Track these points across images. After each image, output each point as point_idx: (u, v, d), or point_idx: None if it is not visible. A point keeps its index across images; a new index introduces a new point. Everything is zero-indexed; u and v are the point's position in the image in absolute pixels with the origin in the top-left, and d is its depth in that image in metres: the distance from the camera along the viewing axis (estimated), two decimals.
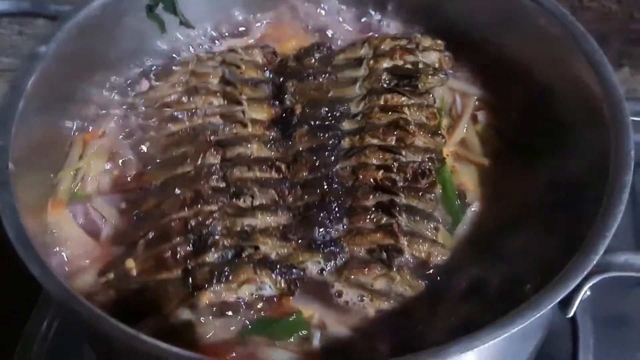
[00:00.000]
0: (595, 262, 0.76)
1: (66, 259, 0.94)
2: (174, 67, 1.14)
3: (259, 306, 0.89)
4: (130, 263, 0.92)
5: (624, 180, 0.82)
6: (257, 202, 0.96)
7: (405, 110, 1.05)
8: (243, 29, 1.23)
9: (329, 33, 1.22)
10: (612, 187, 0.82)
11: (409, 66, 1.12)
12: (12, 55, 1.63)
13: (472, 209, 0.99)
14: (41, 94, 0.97)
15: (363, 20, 1.25)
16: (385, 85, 1.09)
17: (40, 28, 1.46)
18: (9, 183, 0.84)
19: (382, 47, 1.15)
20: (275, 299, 0.89)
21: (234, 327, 0.87)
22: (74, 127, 1.06)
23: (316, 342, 0.86)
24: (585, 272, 0.75)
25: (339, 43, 1.21)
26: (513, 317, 0.72)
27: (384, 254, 0.92)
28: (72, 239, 0.95)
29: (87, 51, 1.06)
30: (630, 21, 1.52)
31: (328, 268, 0.91)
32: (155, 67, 1.15)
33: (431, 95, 1.08)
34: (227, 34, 1.22)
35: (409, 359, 0.70)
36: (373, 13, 1.25)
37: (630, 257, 0.79)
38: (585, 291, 0.82)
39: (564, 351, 1.07)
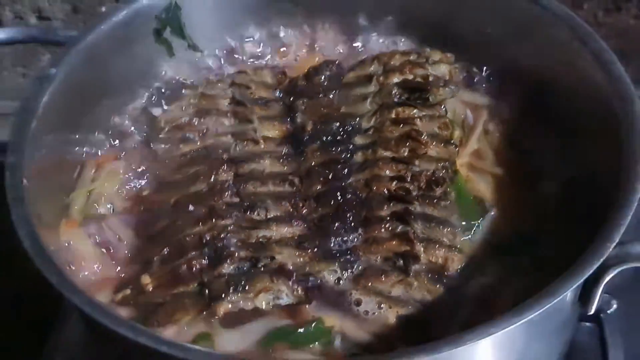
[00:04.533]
0: (611, 253, 0.81)
1: (81, 278, 0.99)
2: (183, 91, 1.21)
3: (277, 315, 0.93)
4: (145, 279, 0.97)
5: (638, 170, 0.87)
6: (271, 215, 1.01)
7: (417, 121, 1.11)
8: (252, 51, 1.30)
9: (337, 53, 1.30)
10: (626, 178, 0.87)
11: (419, 79, 1.18)
12: (16, 98, 1.71)
13: (491, 215, 1.04)
14: (52, 116, 1.03)
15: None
16: (396, 100, 1.16)
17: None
18: (24, 198, 0.90)
19: (392, 62, 1.21)
20: (292, 307, 0.94)
21: (253, 337, 0.92)
22: (85, 151, 1.13)
23: (337, 345, 0.91)
24: (601, 260, 0.80)
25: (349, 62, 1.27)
26: (529, 304, 0.76)
27: (401, 260, 0.96)
28: (86, 258, 1.01)
29: (96, 75, 1.13)
30: None
31: (345, 276, 0.96)
32: (164, 91, 1.23)
33: (442, 107, 1.14)
34: (235, 56, 1.29)
35: (426, 348, 0.74)
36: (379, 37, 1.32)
37: None
38: (603, 287, 0.87)
39: None
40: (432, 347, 0.74)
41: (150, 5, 1.20)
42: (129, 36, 1.17)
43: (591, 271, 0.79)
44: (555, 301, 0.76)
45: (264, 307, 0.93)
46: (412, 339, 0.89)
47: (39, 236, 0.86)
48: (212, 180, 1.06)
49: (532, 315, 0.75)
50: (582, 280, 0.78)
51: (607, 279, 0.85)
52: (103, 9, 1.65)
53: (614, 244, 0.80)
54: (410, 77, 1.19)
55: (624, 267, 0.84)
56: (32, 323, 1.18)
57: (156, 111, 1.20)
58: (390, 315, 0.93)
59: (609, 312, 1.13)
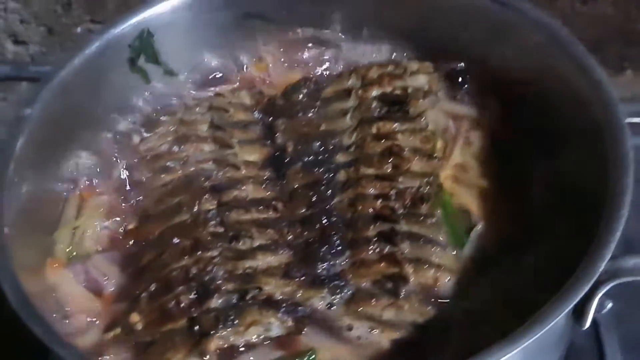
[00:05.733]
0: (602, 269, 0.80)
1: (69, 319, 0.97)
2: (162, 118, 1.19)
3: (269, 347, 0.91)
4: (134, 317, 0.95)
5: (625, 182, 0.86)
6: (256, 244, 1.00)
7: (398, 136, 1.10)
8: (227, 73, 1.28)
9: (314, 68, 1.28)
10: (613, 191, 0.86)
11: (398, 92, 1.17)
12: None
13: (477, 229, 1.02)
14: (30, 157, 1.02)
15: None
16: (376, 114, 1.14)
17: (23, 93, 1.52)
18: (6, 246, 0.88)
19: (370, 75, 1.20)
20: (284, 338, 0.92)
21: None
22: (66, 187, 1.11)
23: None
24: (593, 280, 0.78)
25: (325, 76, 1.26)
26: (523, 331, 0.75)
27: (390, 283, 0.95)
28: (73, 298, 0.99)
29: (72, 110, 1.11)
30: (628, 22, 1.56)
31: (335, 302, 0.95)
32: (143, 118, 1.21)
33: (423, 119, 1.12)
34: (211, 79, 1.27)
35: None
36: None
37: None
38: (597, 301, 0.85)
39: None
40: None
41: (123, 35, 1.18)
42: (103, 67, 1.16)
43: (583, 293, 0.77)
44: (548, 327, 0.74)
45: (254, 340, 0.92)
46: None
47: (22, 288, 0.85)
48: (195, 210, 1.04)
49: (527, 343, 0.73)
50: (574, 303, 0.76)
51: (600, 295, 0.83)
52: (79, 29, 1.63)
53: (605, 262, 0.79)
54: (389, 89, 1.18)
55: (616, 282, 0.83)
56: None
57: (136, 139, 1.18)
58: (383, 340, 0.91)
59: (603, 312, 1.11)
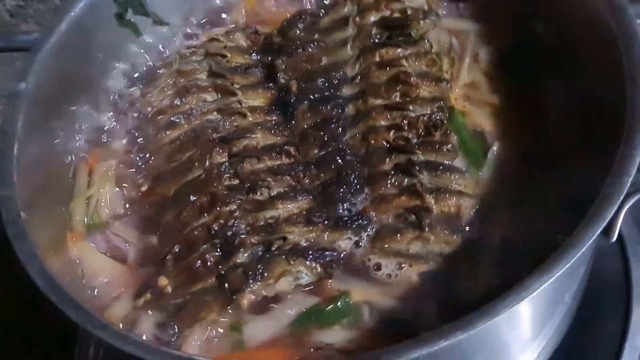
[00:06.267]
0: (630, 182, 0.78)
1: (98, 290, 0.97)
2: (159, 71, 1.16)
3: (302, 295, 0.91)
4: (163, 281, 0.95)
5: None
6: (274, 192, 0.99)
7: (403, 62, 1.07)
8: (219, 14, 1.23)
9: None
10: (632, 102, 0.83)
11: (397, 15, 1.13)
12: None
13: (494, 149, 1.00)
14: (33, 133, 0.99)
15: None
16: (377, 41, 1.11)
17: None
18: (25, 233, 0.87)
19: (366, 0, 1.15)
20: (315, 285, 0.92)
21: (283, 321, 0.90)
22: (74, 156, 1.08)
23: (367, 317, 0.89)
24: (621, 198, 0.77)
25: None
26: (557, 258, 0.74)
27: (413, 216, 0.94)
28: (99, 269, 0.98)
29: (67, 76, 1.08)
30: None
31: (361, 242, 0.94)
32: (140, 73, 1.17)
33: (426, 41, 1.09)
34: (203, 22, 1.23)
35: (459, 325, 0.72)
36: None
37: None
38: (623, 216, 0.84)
39: (614, 272, 1.09)
40: (467, 323, 0.71)
41: None
42: (91, 27, 1.12)
43: (612, 213, 0.75)
44: (584, 248, 0.73)
45: (286, 290, 0.92)
46: (439, 297, 0.88)
47: (49, 272, 0.84)
48: (207, 164, 1.02)
49: (561, 272, 0.72)
50: (604, 224, 0.75)
51: (626, 208, 0.82)
52: None
53: (631, 177, 0.77)
54: (387, 13, 1.14)
55: None
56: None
57: (136, 94, 1.15)
58: (413, 275, 0.91)
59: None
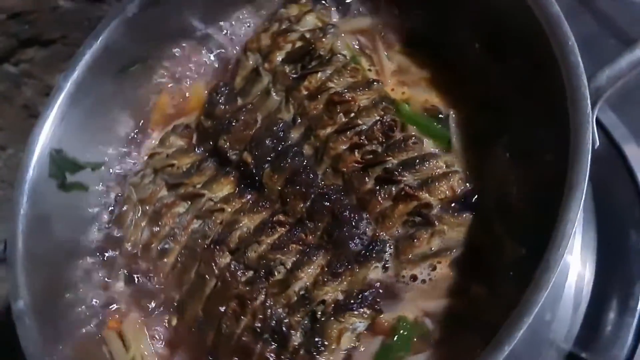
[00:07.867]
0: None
1: None
2: (123, 209, 1.16)
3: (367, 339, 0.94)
4: None
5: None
6: (289, 265, 1.00)
7: (329, 84, 1.08)
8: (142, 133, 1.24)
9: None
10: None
11: (299, 44, 1.13)
12: None
13: (452, 116, 1.02)
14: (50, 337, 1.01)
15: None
16: (294, 76, 1.11)
17: None
18: None
19: (263, 44, 1.16)
20: (372, 326, 0.94)
21: None
22: (96, 327, 1.09)
23: (432, 328, 0.92)
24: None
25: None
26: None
27: (418, 217, 0.96)
28: None
29: (52, 272, 1.09)
30: None
31: (387, 265, 0.96)
32: (107, 217, 1.18)
33: (338, 55, 1.09)
34: (138, 141, 1.24)
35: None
36: None
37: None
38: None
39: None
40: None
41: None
42: (47, 213, 1.12)
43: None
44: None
45: (351, 344, 0.94)
46: (480, 275, 0.92)
47: None
48: (216, 271, 1.03)
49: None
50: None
51: (597, 108, 0.85)
52: None
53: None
54: (289, 46, 1.14)
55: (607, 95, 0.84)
56: None
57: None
58: (445, 268, 0.94)
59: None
